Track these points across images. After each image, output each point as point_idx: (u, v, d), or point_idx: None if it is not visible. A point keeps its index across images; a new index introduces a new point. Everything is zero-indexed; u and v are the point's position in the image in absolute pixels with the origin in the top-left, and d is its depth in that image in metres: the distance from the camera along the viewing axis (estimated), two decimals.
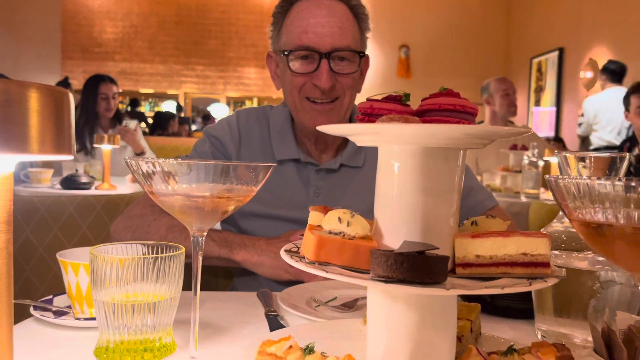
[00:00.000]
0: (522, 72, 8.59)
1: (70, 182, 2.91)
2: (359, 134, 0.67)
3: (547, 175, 0.58)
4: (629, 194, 0.50)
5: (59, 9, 8.70)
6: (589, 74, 7.01)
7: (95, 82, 3.95)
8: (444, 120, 0.64)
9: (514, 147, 3.45)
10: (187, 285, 1.52)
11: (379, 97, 0.70)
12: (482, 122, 4.01)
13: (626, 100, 3.85)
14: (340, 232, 0.68)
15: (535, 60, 8.26)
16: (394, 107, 0.68)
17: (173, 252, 0.82)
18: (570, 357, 0.70)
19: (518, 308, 1.05)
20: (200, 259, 0.76)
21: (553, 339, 0.92)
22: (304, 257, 0.68)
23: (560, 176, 0.57)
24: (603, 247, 0.57)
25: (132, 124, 3.93)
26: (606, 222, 0.53)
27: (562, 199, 0.57)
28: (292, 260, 0.67)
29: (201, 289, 0.78)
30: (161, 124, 7.78)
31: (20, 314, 0.96)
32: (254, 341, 0.76)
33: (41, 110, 0.56)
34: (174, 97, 9.52)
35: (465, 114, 0.65)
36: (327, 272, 0.63)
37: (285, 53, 1.39)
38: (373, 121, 0.68)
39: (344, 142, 1.56)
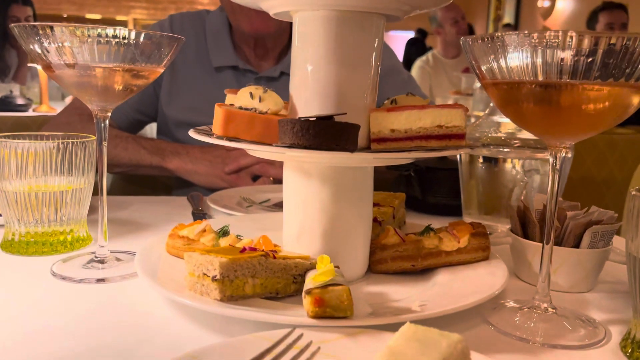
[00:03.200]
0: (481, 1, 8.48)
1: (5, 103, 2.75)
2: None
3: (462, 38, 0.55)
4: (532, 45, 0.48)
5: None
6: (546, 3, 6.99)
7: (5, 3, 3.56)
8: None
9: (466, 70, 3.44)
10: (120, 191, 1.47)
11: None
12: (430, 48, 3.98)
13: (592, 19, 3.81)
14: (252, 108, 0.64)
15: None
16: None
17: (80, 139, 0.76)
18: (484, 234, 0.70)
19: (448, 204, 1.05)
20: (105, 145, 0.71)
21: None
22: (213, 135, 0.65)
23: (473, 37, 0.54)
24: (514, 111, 0.55)
25: None
26: (515, 80, 0.51)
27: (475, 60, 0.55)
28: (199, 135, 0.64)
29: None
30: None
31: None
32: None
33: None
34: (123, 24, 9.03)
35: None
36: (235, 144, 0.59)
37: None
38: None
39: (285, 49, 1.49)
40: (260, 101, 0.65)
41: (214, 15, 1.50)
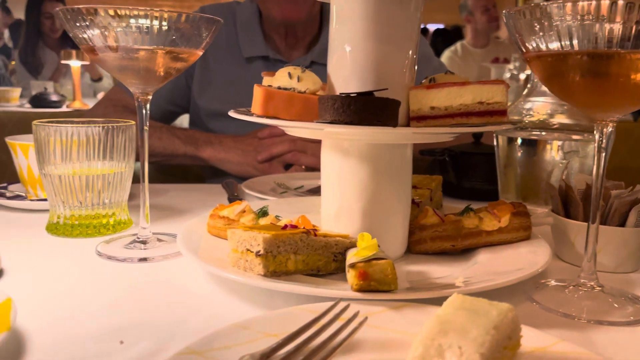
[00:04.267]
0: None
1: (39, 100, 2.82)
2: None
3: (504, 11, 0.55)
4: (578, 14, 0.47)
5: None
6: None
7: (38, 0, 3.64)
8: None
9: (495, 61, 3.39)
10: (156, 179, 1.50)
11: None
12: (461, 41, 3.92)
13: None
14: (291, 88, 0.65)
15: None
16: None
17: (121, 124, 0.78)
18: (525, 213, 0.69)
19: (483, 189, 1.04)
20: (146, 129, 0.72)
21: None
22: (252, 114, 0.65)
23: (516, 8, 0.53)
24: (559, 84, 0.54)
25: None
26: (561, 51, 0.50)
27: (519, 33, 0.54)
28: (239, 115, 0.64)
29: None
30: None
31: None
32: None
33: None
34: None
35: None
36: (275, 121, 0.60)
37: None
38: None
39: (315, 38, 1.49)
40: (298, 81, 0.65)
41: (244, 6, 1.51)
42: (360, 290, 0.50)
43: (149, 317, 0.52)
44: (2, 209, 0.91)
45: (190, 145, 1.32)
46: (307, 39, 1.48)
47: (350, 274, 0.51)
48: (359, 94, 0.56)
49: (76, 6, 0.62)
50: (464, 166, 1.05)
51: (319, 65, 1.48)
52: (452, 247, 0.69)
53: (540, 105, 0.94)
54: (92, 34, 0.64)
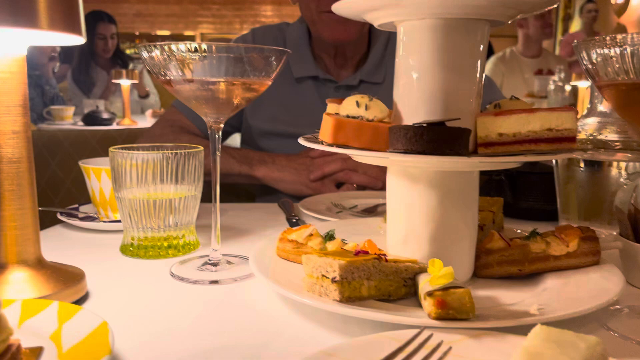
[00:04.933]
0: None
1: (92, 118, 2.93)
2: (376, 7, 0.64)
3: (575, 41, 0.55)
4: None
5: None
6: (620, 0, 6.66)
7: (93, 21, 3.77)
8: None
9: (539, 72, 3.34)
10: (208, 198, 1.54)
11: None
12: (512, 47, 3.86)
13: None
14: (359, 116, 0.66)
15: None
16: None
17: (191, 149, 0.81)
18: (594, 238, 0.69)
19: (542, 209, 1.03)
20: (219, 156, 0.75)
21: None
22: (322, 142, 0.67)
23: (589, 39, 0.54)
24: (636, 112, 0.55)
25: (138, 67, 3.87)
26: (637, 81, 0.51)
27: (591, 62, 0.54)
28: (309, 143, 0.67)
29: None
30: None
31: (48, 224, 0.98)
32: (276, 236, 0.76)
33: None
34: (191, 39, 9.38)
35: None
36: (346, 150, 0.62)
37: None
38: None
39: (364, 57, 1.52)
40: (366, 109, 0.67)
41: (293, 27, 1.55)
42: (439, 318, 0.51)
43: (232, 340, 0.55)
44: (74, 229, 0.95)
45: (244, 164, 1.35)
46: (356, 58, 1.51)
47: (428, 302, 0.52)
48: (430, 123, 0.57)
49: (154, 43, 0.66)
50: (521, 186, 1.05)
51: (367, 84, 1.50)
52: (518, 272, 0.69)
53: (605, 123, 0.93)
54: (169, 68, 0.67)
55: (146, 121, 3.17)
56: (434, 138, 0.56)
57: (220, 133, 0.74)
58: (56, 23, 0.55)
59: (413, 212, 0.67)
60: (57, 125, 2.96)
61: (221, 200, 1.44)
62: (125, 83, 3.00)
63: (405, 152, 0.57)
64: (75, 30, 0.58)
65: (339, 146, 0.65)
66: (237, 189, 1.66)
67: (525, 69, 3.67)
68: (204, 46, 0.65)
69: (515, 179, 1.05)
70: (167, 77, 0.69)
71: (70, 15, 0.57)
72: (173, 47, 0.65)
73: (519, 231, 0.86)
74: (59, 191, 2.39)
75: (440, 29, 0.62)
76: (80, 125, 2.94)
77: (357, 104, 0.67)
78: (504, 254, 0.69)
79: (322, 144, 0.67)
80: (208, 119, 0.72)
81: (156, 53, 0.67)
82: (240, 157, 1.36)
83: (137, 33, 9.20)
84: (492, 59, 3.76)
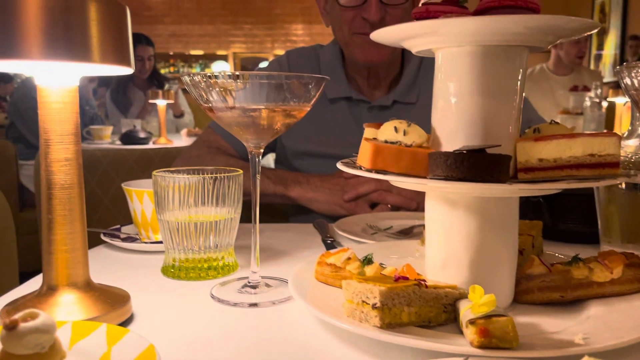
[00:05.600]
0: (583, 13, 8.07)
1: (129, 137, 3.01)
2: (414, 35, 0.65)
3: (617, 67, 0.55)
4: None
5: None
6: None
7: (132, 43, 3.87)
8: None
9: (574, 89, 3.29)
10: (247, 219, 1.56)
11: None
12: (542, 64, 3.80)
13: None
14: (397, 142, 0.67)
15: (598, 1, 7.73)
16: (451, 9, 0.65)
17: (231, 173, 0.83)
18: (639, 265, 0.67)
19: (581, 232, 1.01)
20: (259, 179, 0.77)
21: None
22: (360, 167, 0.68)
23: (632, 64, 0.53)
24: None
25: (173, 87, 3.96)
26: None
27: (635, 89, 0.54)
28: (348, 168, 0.67)
29: None
30: None
31: (90, 244, 1.01)
32: (313, 259, 0.77)
33: (101, 20, 0.57)
34: (224, 58, 9.58)
35: (528, 10, 0.62)
36: (385, 176, 0.62)
37: None
38: None
39: (397, 78, 1.53)
40: (404, 134, 0.67)
41: (327, 49, 1.57)
42: (481, 347, 0.51)
43: None
44: (117, 249, 0.98)
45: (279, 184, 1.37)
46: (389, 79, 1.52)
47: (470, 330, 0.52)
48: (471, 150, 0.58)
49: (197, 73, 0.68)
50: (560, 208, 1.03)
51: (401, 104, 1.50)
52: (560, 298, 0.68)
53: (632, 144, 0.91)
54: (212, 95, 0.70)
55: (181, 140, 3.24)
56: (475, 165, 0.57)
57: (260, 157, 0.76)
58: (107, 56, 0.58)
59: (452, 236, 0.67)
60: (96, 144, 3.05)
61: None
62: (161, 103, 3.08)
63: (446, 178, 0.58)
64: (125, 61, 0.61)
65: (377, 171, 0.65)
66: (271, 208, 1.68)
67: (556, 86, 3.61)
68: (245, 74, 0.67)
69: (554, 201, 1.04)
70: (209, 104, 0.71)
71: (121, 47, 0.60)
72: (216, 75, 0.68)
73: (560, 256, 0.84)
74: (97, 209, 2.46)
75: (479, 56, 0.63)
76: (118, 145, 3.02)
77: (396, 129, 0.68)
78: (545, 280, 0.68)
79: (361, 168, 0.68)
80: (249, 144, 0.74)
81: (199, 80, 0.69)
82: (275, 177, 1.38)
83: (171, 53, 9.44)
84: None
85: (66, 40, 0.55)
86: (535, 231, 0.83)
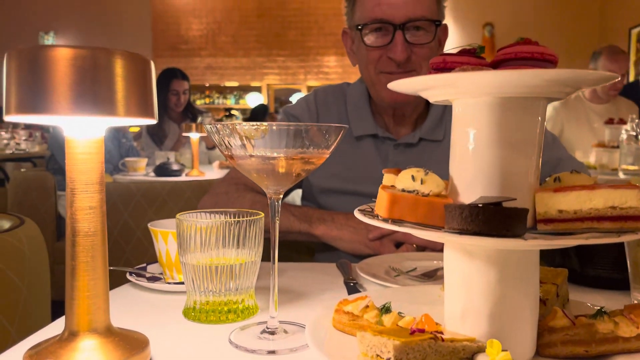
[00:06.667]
0: (620, 44, 7.94)
1: (162, 169, 3.08)
2: (432, 87, 0.66)
3: None
4: None
5: (148, 9, 9.21)
6: None
7: (168, 78, 3.98)
8: (521, 68, 0.61)
9: (610, 122, 3.22)
10: (268, 257, 1.57)
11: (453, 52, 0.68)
12: (578, 91, 3.72)
13: None
14: (414, 190, 0.67)
15: (635, 31, 7.61)
16: (467, 59, 0.66)
17: (252, 217, 0.85)
18: None
19: (610, 278, 0.98)
20: (278, 222, 0.78)
21: None
22: (377, 216, 0.68)
23: None
24: None
25: (206, 120, 4.04)
26: None
27: None
28: (365, 218, 0.68)
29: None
30: (256, 119, 7.93)
31: (118, 282, 1.04)
32: (333, 303, 0.77)
33: (126, 75, 0.59)
34: (258, 89, 9.77)
35: (545, 62, 0.62)
36: (400, 227, 0.62)
37: (359, 27, 1.39)
38: None
39: (423, 115, 1.53)
40: (422, 183, 0.67)
41: (354, 87, 1.59)
42: None
43: None
44: (141, 289, 1.00)
45: (304, 222, 1.38)
46: (415, 116, 1.52)
47: None
48: (486, 204, 0.57)
49: (219, 123, 0.70)
50: (588, 252, 1.00)
51: (427, 142, 1.50)
52: (585, 353, 0.66)
53: None
54: (233, 144, 0.71)
55: (213, 172, 3.30)
56: (490, 218, 0.56)
57: (280, 202, 0.77)
58: (132, 110, 0.60)
59: (471, 287, 0.66)
60: (131, 176, 3.13)
61: (282, 256, 1.47)
62: (194, 136, 3.15)
63: (461, 232, 0.57)
64: (148, 114, 0.63)
65: (394, 221, 0.65)
66: (297, 244, 1.69)
67: (593, 116, 3.52)
68: (264, 125, 0.69)
69: (582, 246, 1.01)
70: (230, 152, 0.72)
71: (144, 101, 0.62)
72: (237, 126, 0.69)
73: (588, 304, 0.82)
74: (130, 240, 2.52)
75: (497, 107, 0.63)
76: (152, 176, 3.09)
77: (413, 178, 0.68)
78: (568, 333, 0.66)
79: (378, 217, 0.68)
80: (268, 190, 0.75)
81: (220, 129, 0.71)
82: (300, 214, 1.39)
83: (207, 84, 9.70)
84: (554, 105, 3.60)
85: (93, 96, 0.57)
86: (560, 279, 0.81)
